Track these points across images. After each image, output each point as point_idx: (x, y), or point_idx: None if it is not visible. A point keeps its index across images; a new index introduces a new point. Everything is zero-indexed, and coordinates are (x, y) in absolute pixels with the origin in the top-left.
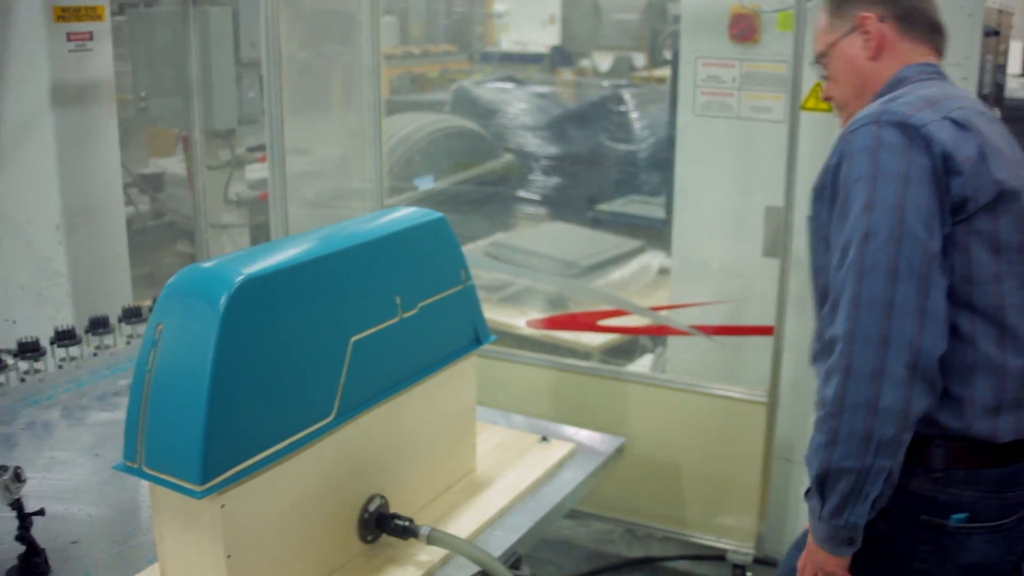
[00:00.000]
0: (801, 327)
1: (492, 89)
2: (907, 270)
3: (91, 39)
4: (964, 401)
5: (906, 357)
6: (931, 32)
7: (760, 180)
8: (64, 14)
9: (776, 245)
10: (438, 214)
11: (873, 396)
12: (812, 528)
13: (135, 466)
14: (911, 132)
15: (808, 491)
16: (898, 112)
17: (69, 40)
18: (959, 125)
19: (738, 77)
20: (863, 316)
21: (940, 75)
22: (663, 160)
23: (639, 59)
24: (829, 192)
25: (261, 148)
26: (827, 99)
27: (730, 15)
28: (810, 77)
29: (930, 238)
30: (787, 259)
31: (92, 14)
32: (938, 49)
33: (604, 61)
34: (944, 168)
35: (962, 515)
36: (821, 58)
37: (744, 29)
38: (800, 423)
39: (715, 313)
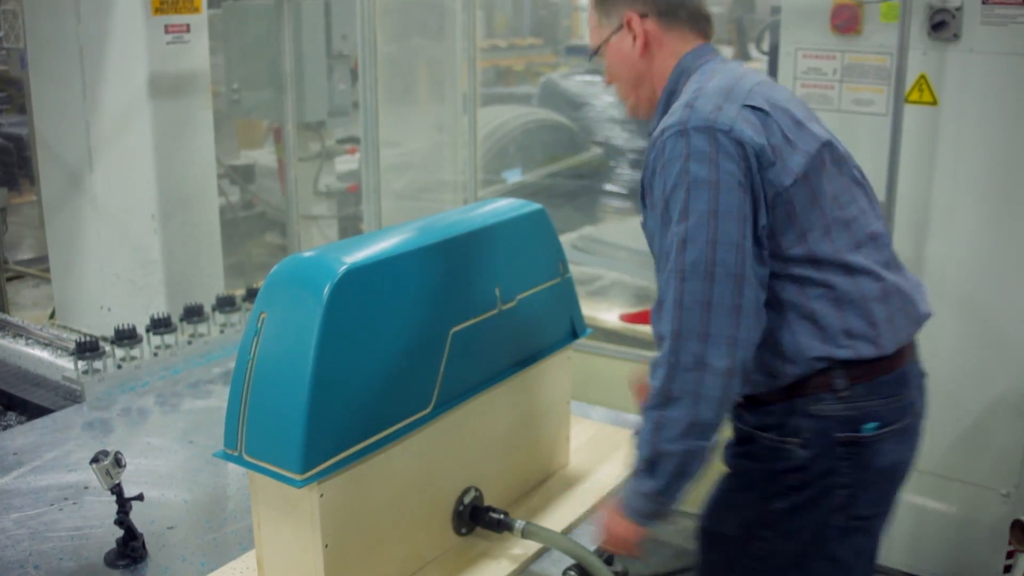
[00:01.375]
0: None
1: (579, 82)
2: (723, 272)
3: (188, 31)
4: (842, 333)
5: (725, 350)
6: (695, 20)
7: None
8: (162, 6)
9: None
10: (537, 206)
11: (696, 385)
12: (631, 504)
13: (235, 453)
14: (719, 137)
15: (635, 472)
16: (703, 116)
17: (167, 32)
18: (759, 111)
19: (839, 69)
20: (686, 316)
21: (715, 53)
22: None
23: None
24: (648, 198)
25: (350, 140)
26: (609, 84)
27: (832, 5)
28: (914, 69)
29: (743, 239)
30: None
31: (189, 6)
32: (705, 33)
33: None
34: (758, 164)
35: (872, 424)
36: (596, 54)
37: (847, 20)
38: None
39: None
